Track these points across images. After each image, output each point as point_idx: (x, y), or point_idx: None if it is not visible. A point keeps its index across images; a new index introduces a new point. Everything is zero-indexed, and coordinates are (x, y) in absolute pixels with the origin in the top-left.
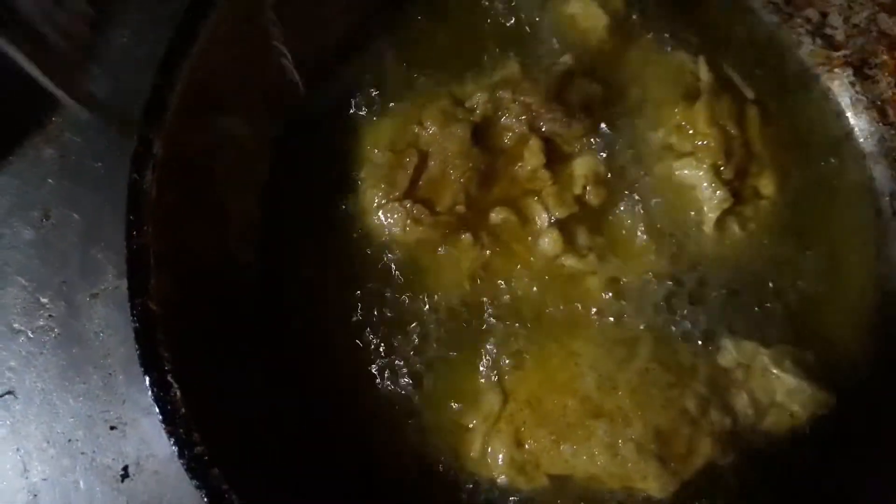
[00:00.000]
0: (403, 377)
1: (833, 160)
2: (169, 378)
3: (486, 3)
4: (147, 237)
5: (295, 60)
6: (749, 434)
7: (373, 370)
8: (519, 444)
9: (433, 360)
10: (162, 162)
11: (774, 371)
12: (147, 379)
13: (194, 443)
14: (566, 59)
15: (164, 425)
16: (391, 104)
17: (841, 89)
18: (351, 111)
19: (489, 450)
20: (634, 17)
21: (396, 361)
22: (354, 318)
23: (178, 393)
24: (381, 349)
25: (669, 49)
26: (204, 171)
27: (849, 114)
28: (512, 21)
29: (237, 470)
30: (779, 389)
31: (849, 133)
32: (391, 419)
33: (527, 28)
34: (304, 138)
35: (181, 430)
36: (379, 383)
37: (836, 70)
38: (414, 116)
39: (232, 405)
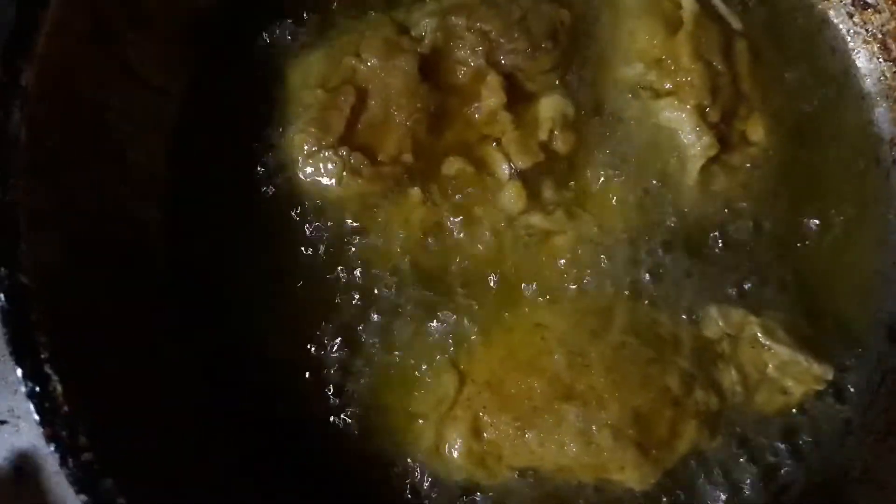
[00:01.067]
0: (340, 360)
1: (828, 101)
2: (47, 369)
3: None
4: (16, 192)
5: None
6: (737, 415)
7: (304, 354)
8: (478, 433)
9: (376, 337)
10: (35, 97)
11: (765, 342)
12: (19, 370)
13: (80, 448)
14: None
15: (41, 427)
16: (324, 32)
17: (838, 20)
18: (276, 41)
19: (444, 441)
20: None
21: (332, 341)
22: (280, 293)
23: (60, 387)
24: (313, 328)
25: None
26: (94, 110)
27: (847, 48)
28: None
29: (136, 480)
30: (770, 362)
31: (846, 70)
32: (327, 411)
33: None
34: (220, 73)
35: (64, 433)
36: (311, 369)
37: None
38: (350, 47)
39: (132, 401)
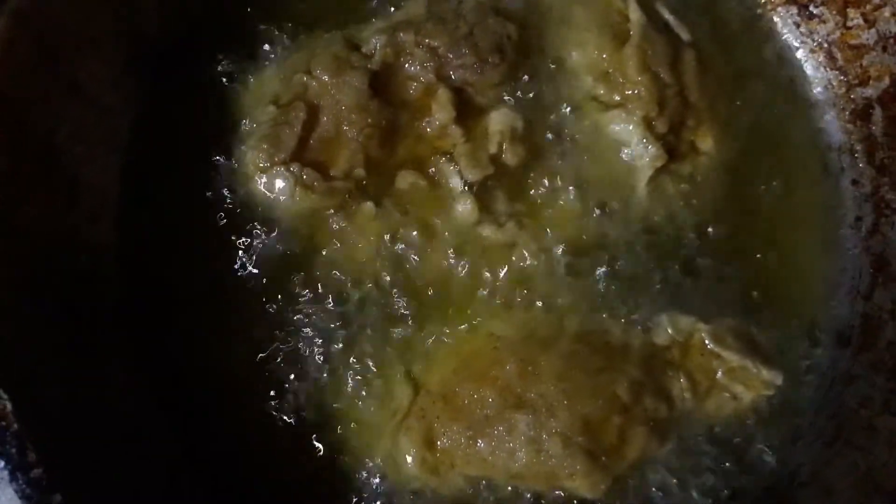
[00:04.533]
0: (295, 373)
1: (777, 110)
2: None
3: None
4: None
5: None
6: (687, 422)
7: (257, 369)
8: (431, 442)
9: (330, 349)
10: None
11: (714, 348)
12: None
13: (30, 464)
14: None
15: None
16: (276, 50)
17: (785, 30)
18: (229, 59)
19: (398, 450)
20: None
21: (286, 355)
22: (235, 308)
23: (9, 405)
24: (267, 342)
25: None
26: (44, 133)
27: (793, 57)
28: None
29: (85, 496)
30: (719, 369)
31: (793, 79)
32: (282, 424)
33: None
34: (173, 92)
35: (13, 450)
36: (265, 383)
37: (780, 8)
38: (301, 64)
39: (81, 418)
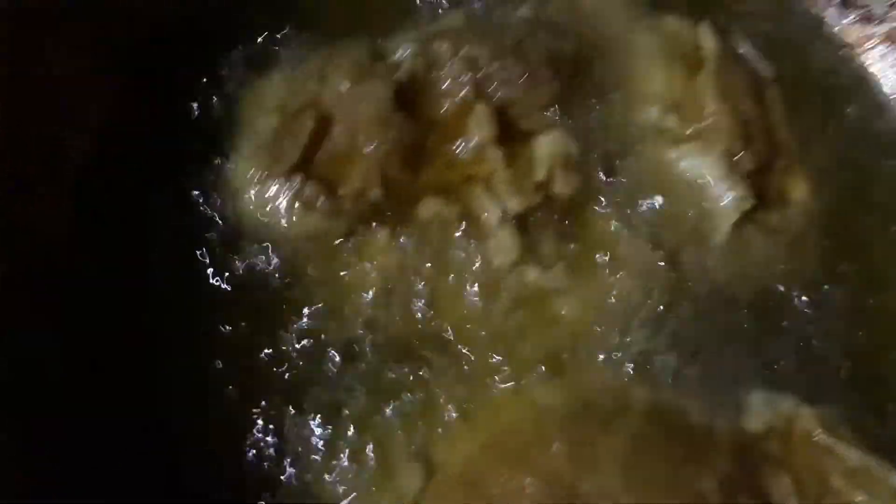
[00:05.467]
0: (277, 446)
1: (879, 163)
2: None
3: None
4: None
5: None
6: None
7: (238, 436)
8: None
9: (321, 416)
10: None
11: (826, 441)
12: None
13: None
14: (525, 10)
15: None
16: (288, 54)
17: (883, 72)
18: (231, 64)
19: None
20: None
21: (268, 423)
22: (209, 355)
23: None
24: (248, 404)
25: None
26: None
27: (892, 102)
28: None
29: None
30: (834, 469)
31: (894, 128)
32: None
33: None
34: (165, 99)
35: None
36: (242, 455)
37: (878, 48)
38: (315, 71)
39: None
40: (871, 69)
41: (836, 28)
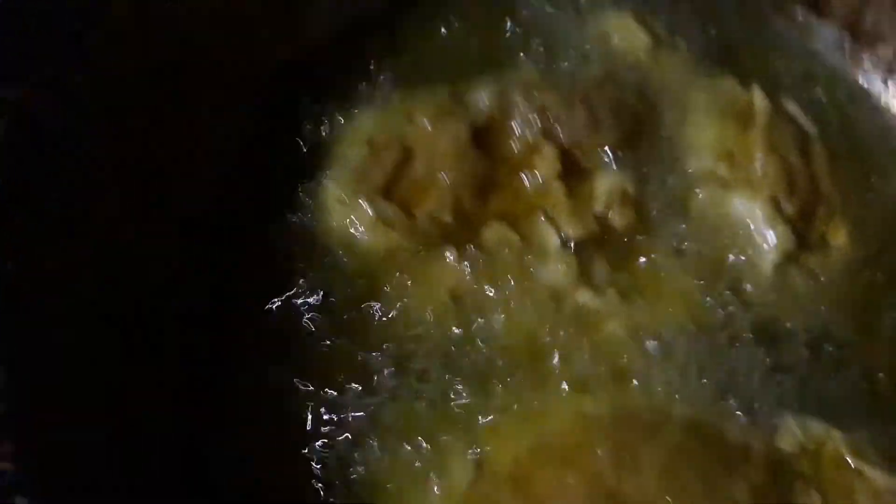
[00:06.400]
0: (335, 444)
1: None
2: None
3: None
4: None
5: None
6: None
7: (294, 432)
8: None
9: (381, 413)
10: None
11: (855, 463)
12: None
13: None
14: (595, 68)
15: None
16: (380, 96)
17: None
18: (327, 104)
19: None
20: (678, 39)
21: (329, 421)
22: (283, 346)
23: None
24: (315, 391)
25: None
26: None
27: None
28: (537, 35)
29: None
30: (861, 490)
31: None
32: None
33: (551, 40)
34: (268, 135)
35: None
36: (299, 453)
37: None
38: (403, 110)
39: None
40: None
41: (884, 100)
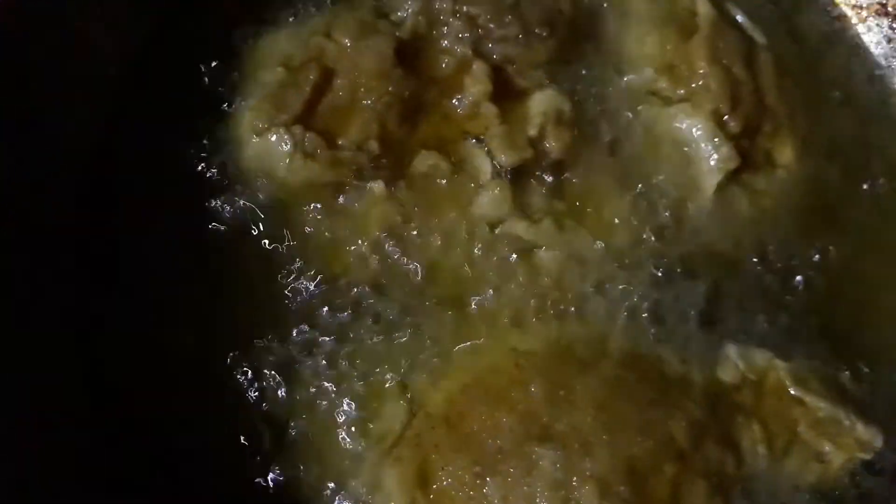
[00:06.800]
0: (268, 382)
1: (864, 130)
2: None
3: None
4: None
5: None
6: (761, 484)
7: (225, 365)
8: (425, 479)
9: (312, 354)
10: None
11: (796, 392)
12: None
13: None
14: None
15: None
16: (292, 15)
17: (874, 44)
18: (236, 19)
19: (380, 488)
20: None
21: (261, 358)
22: (204, 294)
23: None
24: (240, 336)
25: None
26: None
27: (884, 74)
28: None
29: None
30: (802, 419)
31: (885, 100)
32: (234, 442)
33: None
34: (170, 48)
35: None
36: (231, 381)
37: (870, 20)
38: (320, 27)
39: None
40: (863, 40)
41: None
